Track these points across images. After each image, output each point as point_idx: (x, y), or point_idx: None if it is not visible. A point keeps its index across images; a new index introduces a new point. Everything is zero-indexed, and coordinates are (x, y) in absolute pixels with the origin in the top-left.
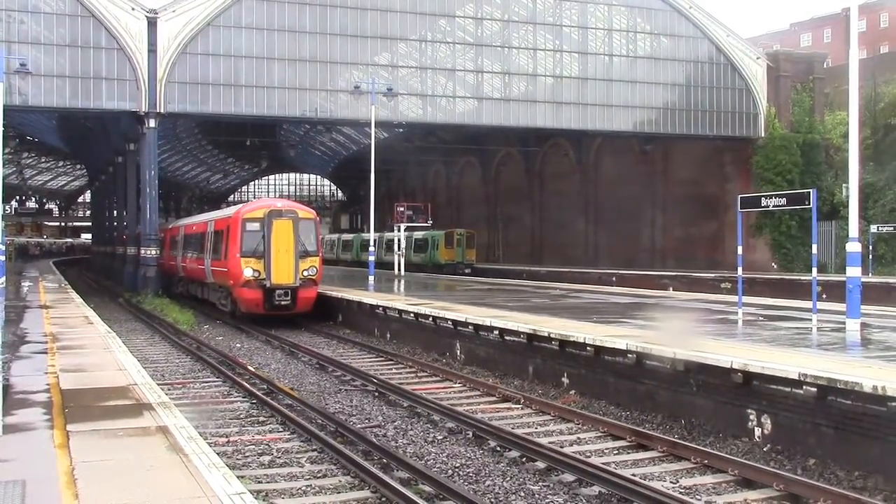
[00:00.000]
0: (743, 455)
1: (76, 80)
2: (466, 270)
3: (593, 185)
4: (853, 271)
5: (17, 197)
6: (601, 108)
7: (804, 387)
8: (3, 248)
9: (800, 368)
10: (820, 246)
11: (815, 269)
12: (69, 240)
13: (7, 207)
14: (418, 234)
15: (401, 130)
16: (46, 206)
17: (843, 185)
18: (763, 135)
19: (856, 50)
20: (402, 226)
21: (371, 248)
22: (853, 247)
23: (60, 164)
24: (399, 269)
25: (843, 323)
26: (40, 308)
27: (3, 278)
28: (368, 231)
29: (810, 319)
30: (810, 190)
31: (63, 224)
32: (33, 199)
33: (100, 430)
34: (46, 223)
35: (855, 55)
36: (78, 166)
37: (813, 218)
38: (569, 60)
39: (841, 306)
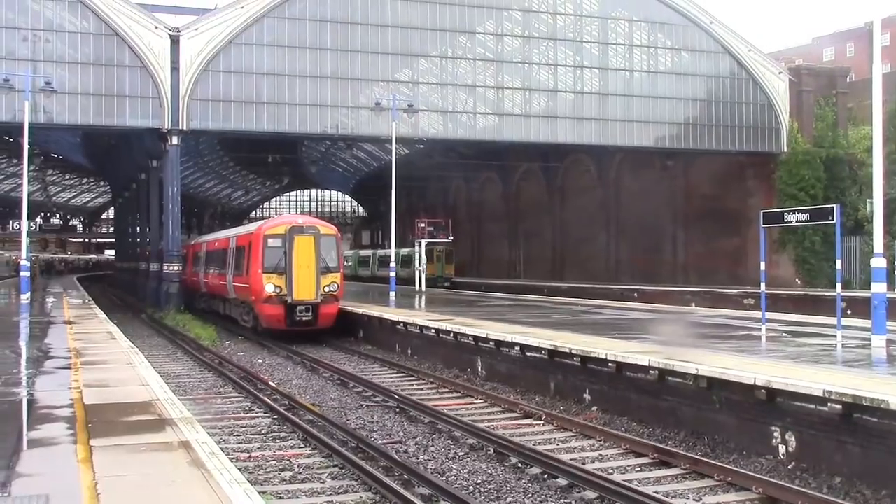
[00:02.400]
0: (767, 473)
1: (100, 98)
2: (446, 284)
3: (614, 201)
4: (878, 287)
5: (42, 213)
6: (622, 124)
7: (829, 404)
8: (29, 264)
9: (824, 385)
10: (844, 261)
11: (839, 285)
12: (93, 256)
13: (32, 224)
14: (404, 251)
15: (421, 146)
16: (70, 223)
17: (868, 200)
18: (786, 150)
19: (878, 64)
20: (423, 241)
21: (392, 264)
22: (878, 262)
23: (84, 180)
24: (420, 286)
25: (869, 339)
26: (64, 324)
27: (29, 294)
28: (389, 247)
29: (835, 336)
30: (834, 205)
31: (87, 240)
32: (58, 215)
33: (123, 445)
34: (70, 239)
35: (878, 69)
36: (102, 183)
37: (837, 233)
38: (589, 76)
39: (866, 322)
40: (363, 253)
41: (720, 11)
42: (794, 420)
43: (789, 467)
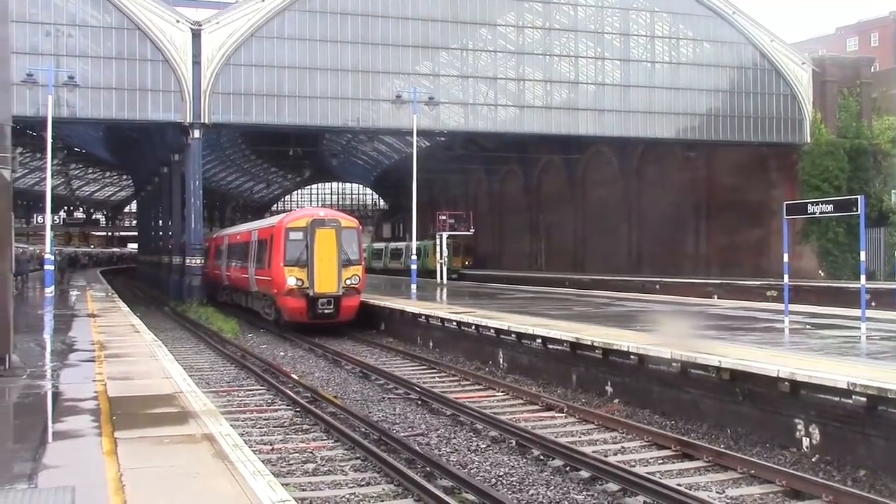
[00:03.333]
0: (791, 465)
1: (122, 92)
2: (453, 276)
3: (636, 193)
4: None
5: (66, 207)
6: (643, 115)
7: (853, 396)
8: (53, 257)
9: (849, 378)
10: (868, 253)
11: (863, 277)
12: (116, 249)
13: (56, 218)
14: (419, 244)
15: (442, 139)
16: (94, 216)
17: (892, 190)
18: (809, 141)
19: None
20: (444, 234)
21: (413, 257)
22: None
23: (107, 174)
24: (441, 278)
25: (894, 331)
26: (88, 317)
27: (53, 287)
28: (410, 240)
29: (859, 328)
30: (858, 196)
31: (110, 234)
32: (81, 209)
33: (147, 438)
34: (93, 233)
35: None
36: (124, 177)
37: (861, 224)
38: (611, 67)
39: (891, 314)
40: (376, 246)
41: (743, 2)
42: (818, 412)
43: (813, 460)
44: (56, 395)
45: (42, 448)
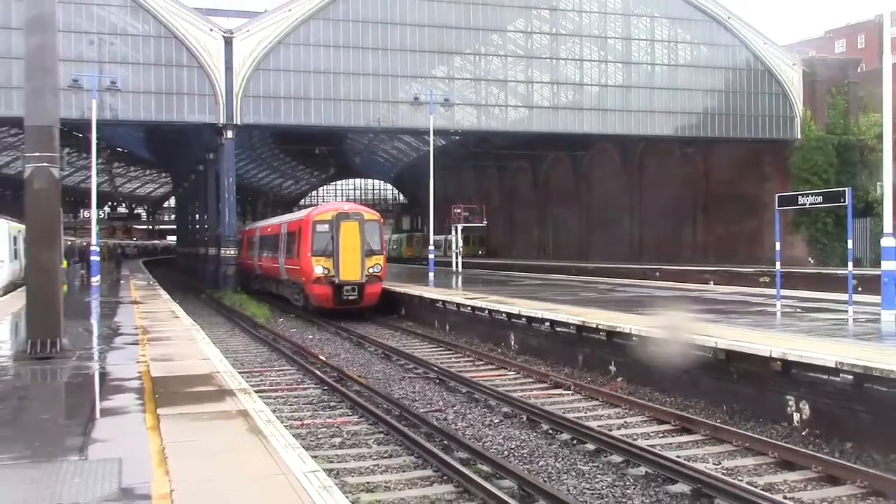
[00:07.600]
0: (782, 439)
1: (161, 96)
2: (423, 262)
3: (637, 187)
4: (888, 265)
5: (109, 203)
6: (644, 114)
7: (841, 374)
8: (99, 249)
9: (837, 357)
10: (855, 241)
11: (850, 263)
12: (157, 241)
13: (100, 213)
14: (394, 237)
15: (457, 138)
16: (135, 211)
17: (878, 183)
18: (800, 137)
19: (888, 53)
20: (459, 226)
21: (431, 247)
22: (888, 242)
23: (147, 172)
24: (456, 267)
25: (879, 314)
26: (131, 303)
27: (99, 276)
28: (427, 232)
29: (846, 311)
30: (845, 188)
31: (151, 227)
32: (123, 204)
33: (187, 414)
34: (136, 226)
35: (888, 58)
36: (163, 174)
37: (848, 215)
38: (613, 70)
39: (876, 298)
40: None
41: (737, 6)
42: (808, 389)
43: (803, 434)
44: (103, 376)
45: (91, 424)
